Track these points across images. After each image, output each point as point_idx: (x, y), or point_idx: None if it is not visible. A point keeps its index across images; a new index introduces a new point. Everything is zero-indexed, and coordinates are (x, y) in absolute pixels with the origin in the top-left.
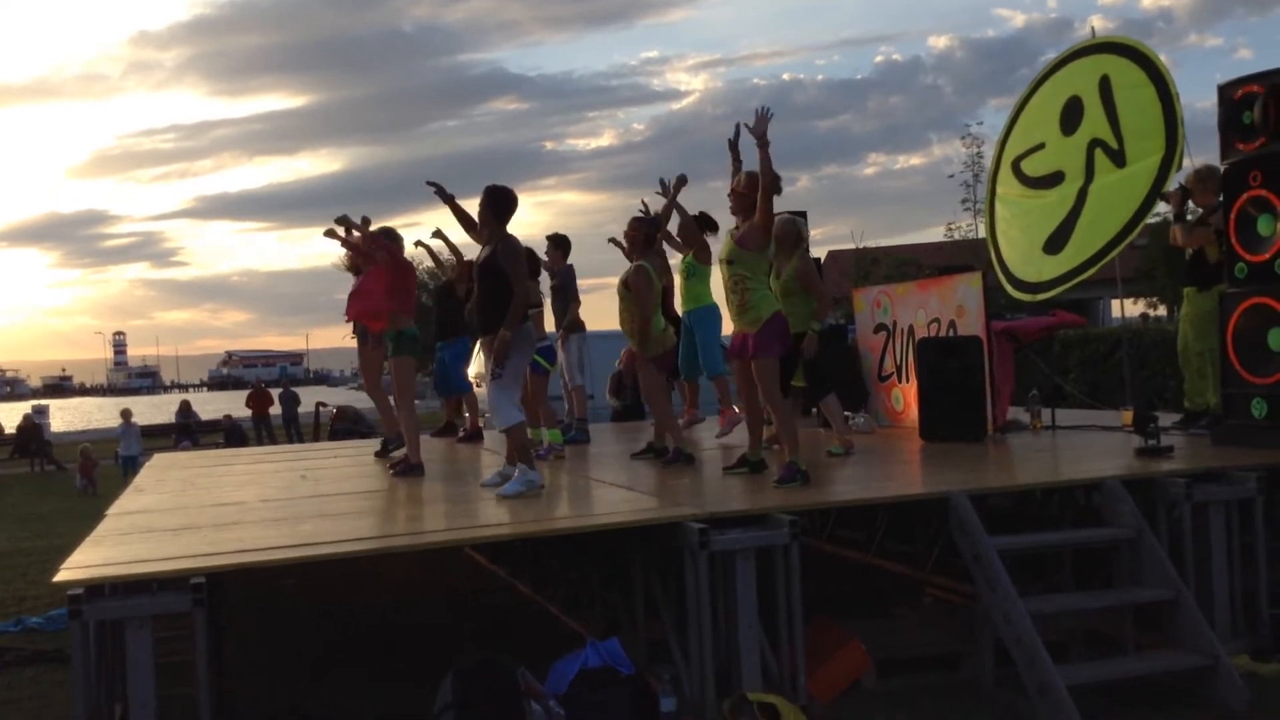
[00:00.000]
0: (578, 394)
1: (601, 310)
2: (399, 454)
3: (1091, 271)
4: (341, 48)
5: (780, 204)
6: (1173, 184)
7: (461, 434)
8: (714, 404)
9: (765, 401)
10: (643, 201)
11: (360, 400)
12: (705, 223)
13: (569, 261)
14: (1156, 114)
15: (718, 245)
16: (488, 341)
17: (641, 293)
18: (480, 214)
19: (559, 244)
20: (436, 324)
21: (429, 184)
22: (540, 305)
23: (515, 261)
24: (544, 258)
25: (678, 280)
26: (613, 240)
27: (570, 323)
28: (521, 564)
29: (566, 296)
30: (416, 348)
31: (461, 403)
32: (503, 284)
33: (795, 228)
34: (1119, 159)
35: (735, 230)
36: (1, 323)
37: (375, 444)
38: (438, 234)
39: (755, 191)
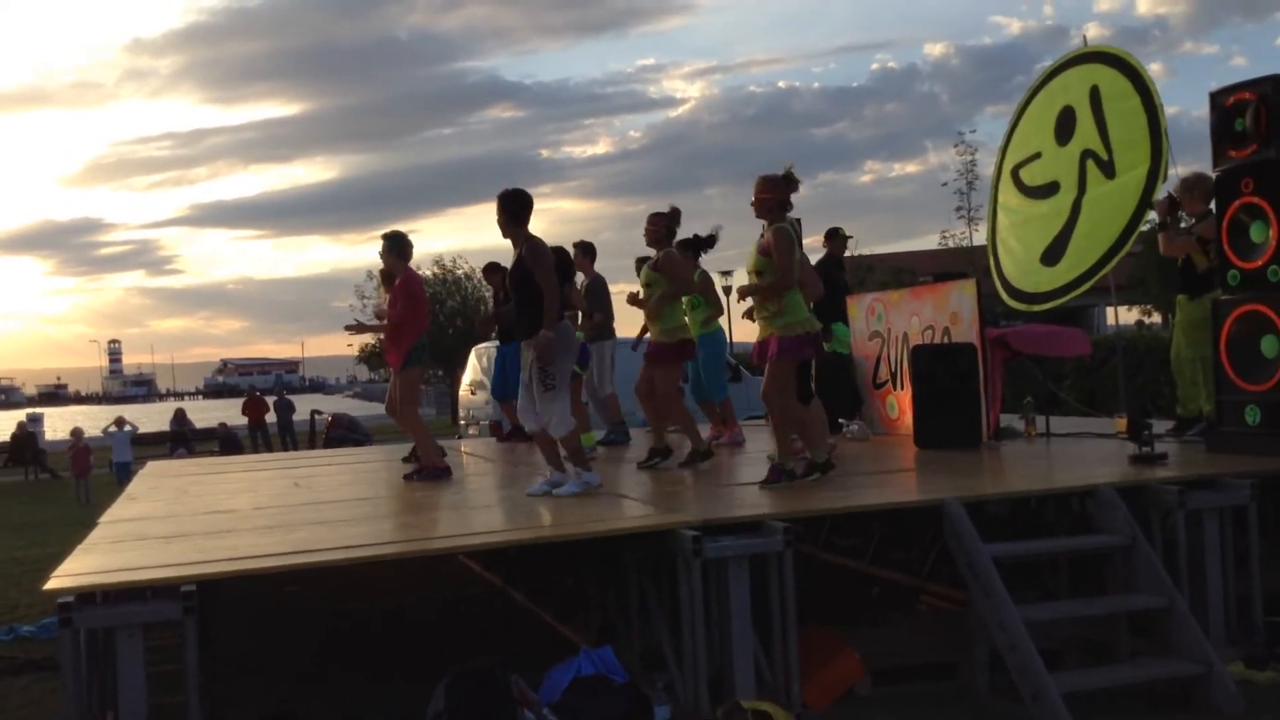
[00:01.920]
0: (610, 400)
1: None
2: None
3: (1089, 285)
4: (337, 55)
5: None
6: (1160, 193)
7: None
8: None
9: (763, 399)
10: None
11: (355, 408)
12: (698, 243)
13: (596, 269)
14: (1142, 125)
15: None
16: (529, 346)
17: (676, 269)
18: (500, 221)
19: (586, 251)
20: (499, 329)
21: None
22: (576, 308)
23: (542, 261)
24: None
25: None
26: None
27: (599, 329)
28: (515, 571)
29: (594, 304)
30: (422, 358)
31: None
32: (534, 286)
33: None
34: (1109, 170)
35: (761, 239)
36: None
37: (369, 451)
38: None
39: (772, 194)
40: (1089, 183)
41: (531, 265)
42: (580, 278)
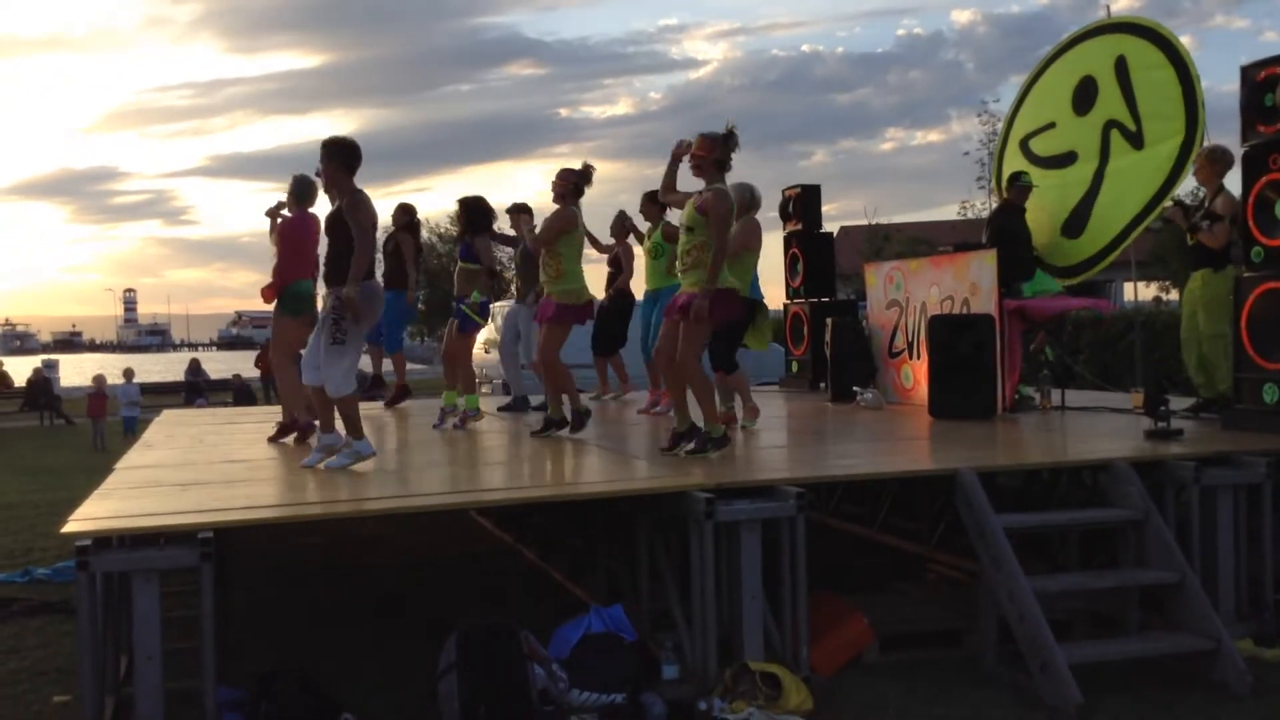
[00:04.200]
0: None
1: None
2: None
3: (1114, 255)
4: (358, 7)
5: (795, 176)
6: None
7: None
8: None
9: (678, 362)
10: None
11: (366, 364)
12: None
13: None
14: (1176, 96)
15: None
16: (329, 296)
17: (559, 227)
18: (328, 169)
19: (523, 210)
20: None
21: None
22: (485, 264)
23: (361, 215)
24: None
25: (642, 259)
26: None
27: (536, 294)
28: (527, 530)
29: (528, 267)
30: (299, 307)
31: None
32: (348, 237)
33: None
34: (1136, 140)
35: (698, 195)
36: (13, 277)
37: (380, 408)
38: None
39: (712, 152)
40: (1113, 153)
41: (349, 217)
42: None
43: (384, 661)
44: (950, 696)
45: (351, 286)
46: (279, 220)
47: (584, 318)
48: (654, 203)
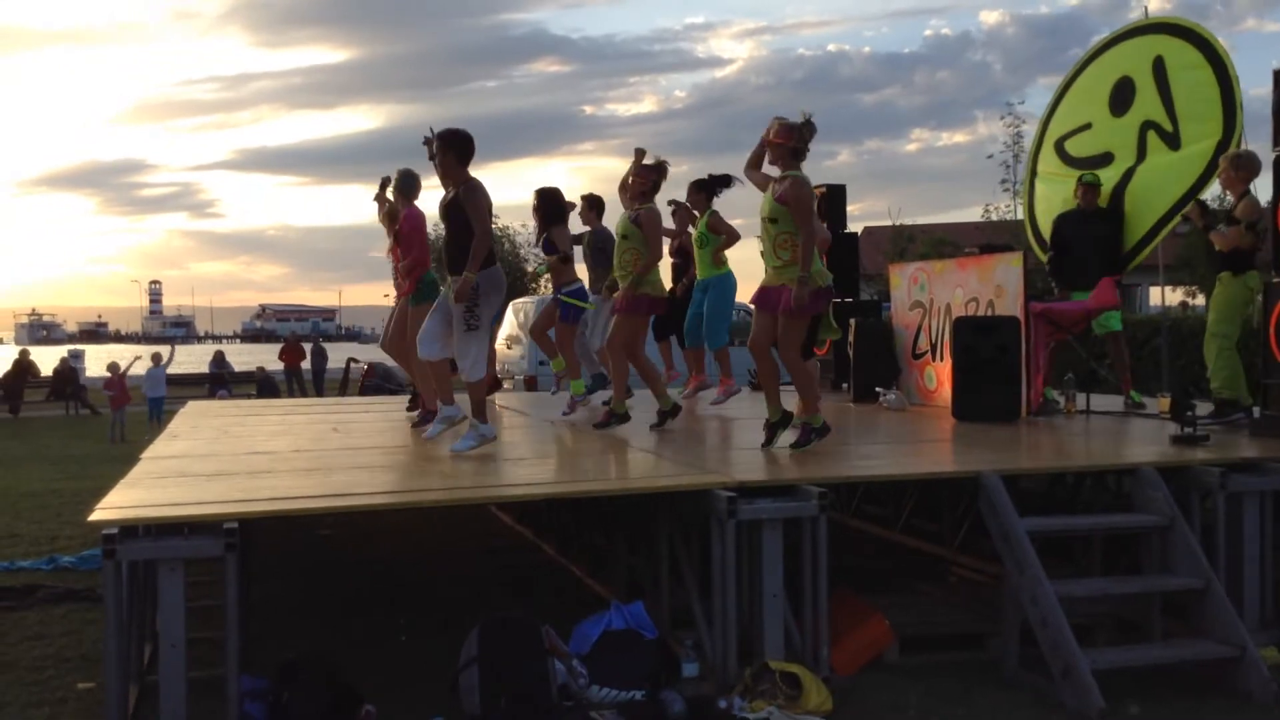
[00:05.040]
0: (601, 355)
1: None
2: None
3: (1143, 255)
4: (384, 2)
5: (820, 176)
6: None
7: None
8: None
9: (781, 358)
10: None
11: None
12: (712, 184)
13: (604, 223)
14: (1213, 97)
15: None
16: (451, 283)
17: (654, 229)
18: (442, 161)
19: (593, 204)
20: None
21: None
22: (563, 252)
23: (477, 202)
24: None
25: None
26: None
27: (609, 285)
28: (547, 524)
29: (604, 258)
30: (432, 294)
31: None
32: (466, 224)
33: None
34: (1173, 141)
35: (776, 185)
36: (41, 268)
37: (404, 400)
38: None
39: (789, 140)
40: (1150, 153)
41: (466, 205)
42: (585, 229)
43: (406, 652)
44: (971, 699)
45: (472, 271)
46: (393, 215)
47: (661, 308)
48: (700, 192)
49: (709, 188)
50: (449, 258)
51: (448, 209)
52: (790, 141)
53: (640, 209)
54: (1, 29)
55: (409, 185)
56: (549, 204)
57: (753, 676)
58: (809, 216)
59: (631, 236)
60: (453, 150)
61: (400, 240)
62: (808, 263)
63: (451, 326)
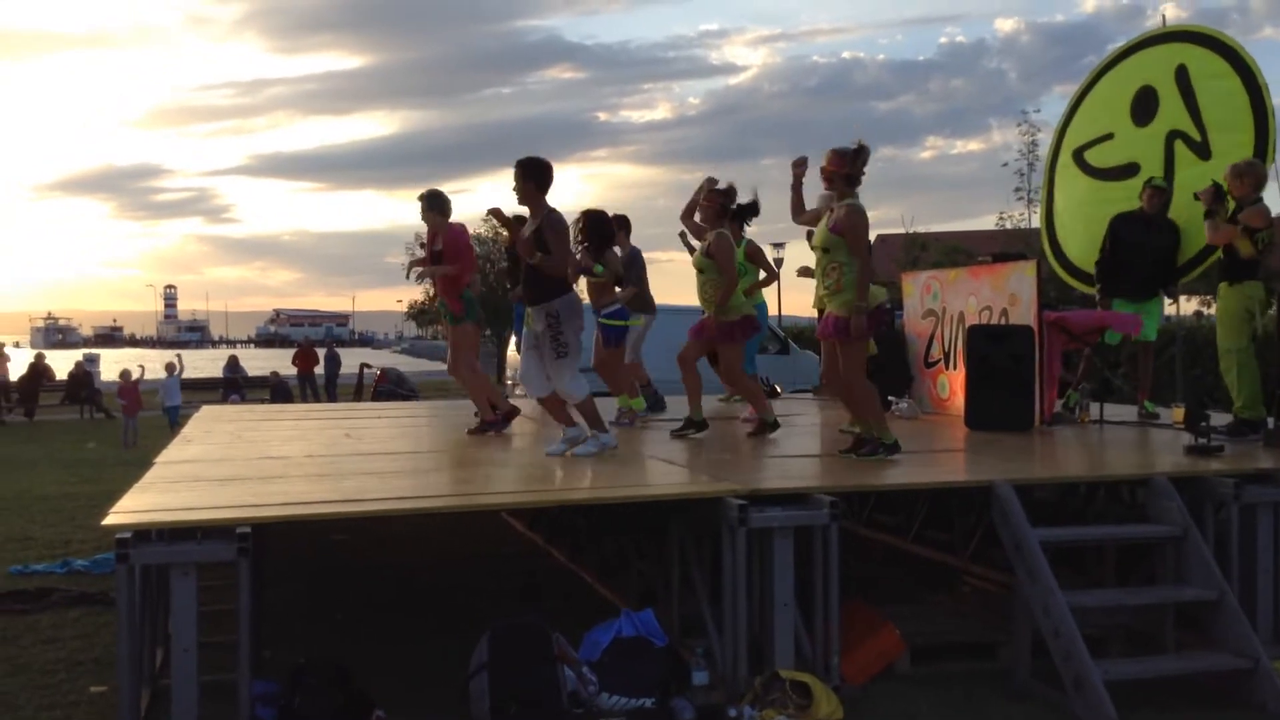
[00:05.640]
0: (632, 369)
1: (657, 287)
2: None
3: (1196, 272)
4: (399, 8)
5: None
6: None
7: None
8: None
9: (846, 380)
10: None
11: (403, 363)
12: (741, 213)
13: (632, 242)
14: (1242, 105)
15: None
16: (538, 314)
17: (726, 257)
18: (522, 189)
19: (621, 224)
20: None
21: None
22: (618, 273)
23: (559, 234)
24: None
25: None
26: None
27: (640, 303)
28: (558, 531)
29: (630, 278)
30: (474, 311)
31: None
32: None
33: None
34: (1203, 151)
35: (829, 214)
36: (57, 272)
37: (417, 407)
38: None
39: (842, 167)
40: (1179, 164)
41: (548, 236)
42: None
43: (416, 657)
44: (982, 710)
45: (532, 241)
46: (439, 237)
47: (755, 326)
48: (734, 220)
49: (740, 216)
50: (530, 288)
51: (531, 241)
52: (843, 168)
53: (711, 239)
54: (20, 33)
55: (441, 203)
56: (599, 227)
57: (763, 685)
58: (864, 244)
59: (707, 270)
60: (532, 179)
61: (444, 257)
62: (864, 292)
63: (543, 360)
